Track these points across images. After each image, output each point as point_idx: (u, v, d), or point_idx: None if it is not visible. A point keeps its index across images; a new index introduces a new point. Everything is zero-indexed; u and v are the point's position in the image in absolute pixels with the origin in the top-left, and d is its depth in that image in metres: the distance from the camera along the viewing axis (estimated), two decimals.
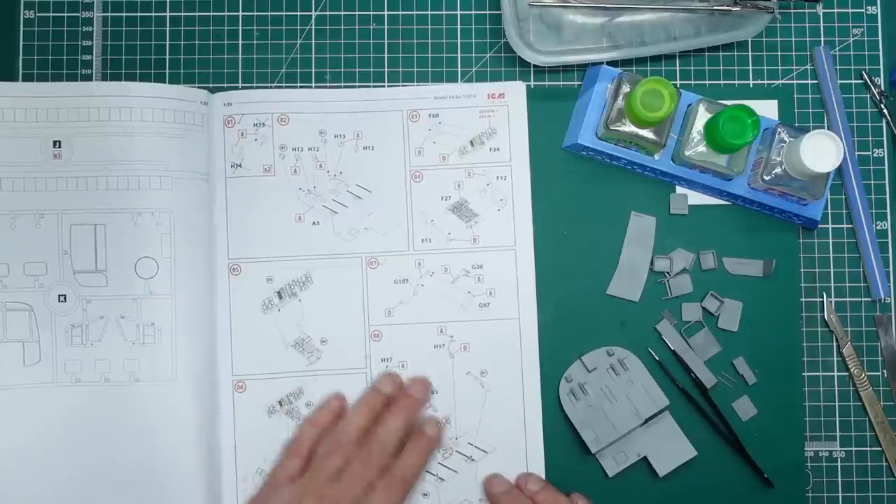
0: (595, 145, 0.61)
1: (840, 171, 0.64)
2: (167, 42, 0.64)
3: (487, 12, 0.65)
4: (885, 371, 0.64)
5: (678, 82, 0.65)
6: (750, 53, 0.65)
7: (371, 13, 0.65)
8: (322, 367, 0.61)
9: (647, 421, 0.61)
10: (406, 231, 0.62)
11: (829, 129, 0.64)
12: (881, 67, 0.65)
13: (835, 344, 0.64)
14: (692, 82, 0.65)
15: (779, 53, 0.65)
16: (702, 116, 0.59)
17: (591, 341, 0.62)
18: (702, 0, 0.62)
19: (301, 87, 0.64)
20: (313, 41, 0.64)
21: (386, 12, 0.65)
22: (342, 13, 0.65)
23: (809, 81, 0.65)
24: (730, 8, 0.62)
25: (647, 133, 0.59)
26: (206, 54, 0.64)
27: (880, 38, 0.65)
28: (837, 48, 0.65)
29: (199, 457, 0.59)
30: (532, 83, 0.64)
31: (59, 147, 0.60)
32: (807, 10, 0.65)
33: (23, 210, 0.60)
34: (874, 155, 0.65)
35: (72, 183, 0.60)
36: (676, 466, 0.61)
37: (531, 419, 0.61)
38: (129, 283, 0.59)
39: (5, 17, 0.64)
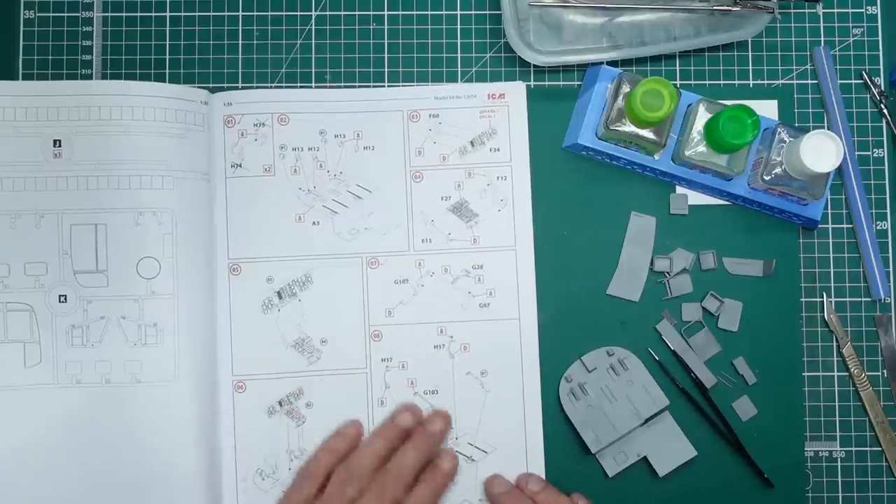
0: (595, 145, 0.61)
1: (840, 171, 0.64)
2: (167, 42, 0.64)
3: (487, 12, 0.65)
4: (885, 371, 0.64)
5: (678, 82, 0.65)
6: (750, 53, 0.65)
7: (371, 13, 0.65)
8: (322, 367, 0.61)
9: (647, 421, 0.61)
10: (406, 231, 0.62)
11: (829, 129, 0.64)
12: (881, 67, 0.65)
13: (835, 344, 0.64)
14: (692, 82, 0.65)
15: (779, 53, 0.65)
16: (702, 116, 0.59)
17: (591, 341, 0.62)
18: (702, 0, 0.62)
19: (301, 87, 0.64)
20: (313, 41, 0.64)
21: (386, 12, 0.65)
22: (342, 13, 0.65)
23: (809, 81, 0.65)
24: (730, 8, 0.62)
25: (647, 133, 0.59)
26: (206, 54, 0.64)
27: (880, 38, 0.65)
28: (837, 48, 0.65)
29: (199, 457, 0.59)
30: (532, 83, 0.64)
31: (60, 146, 0.60)
32: (807, 10, 0.65)
33: (23, 210, 0.60)
34: (874, 155, 0.65)
35: (72, 182, 0.60)
36: (676, 466, 0.61)
37: (531, 419, 0.61)
38: (131, 284, 0.59)
39: (5, 17, 0.64)
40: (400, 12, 0.65)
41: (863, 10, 0.65)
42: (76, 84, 0.61)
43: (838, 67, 0.65)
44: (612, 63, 0.63)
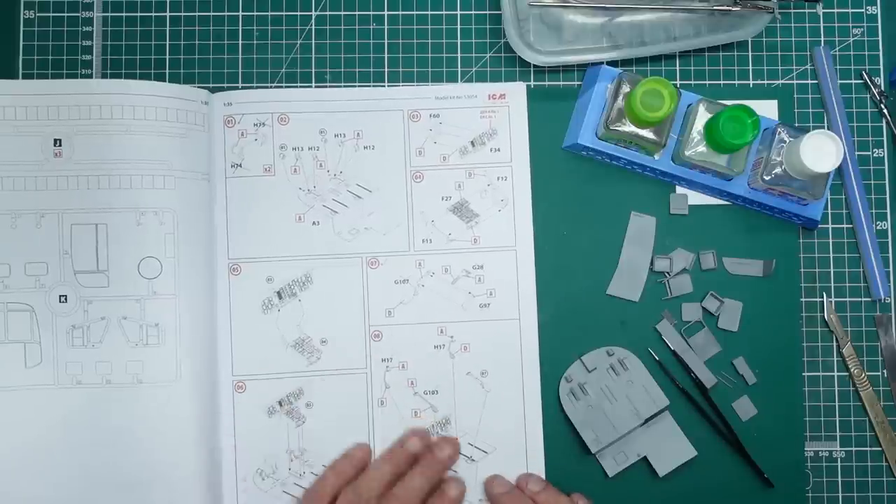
0: (595, 145, 0.61)
1: (840, 171, 0.64)
2: (167, 42, 0.64)
3: (487, 12, 0.65)
4: (885, 371, 0.64)
5: (678, 82, 0.65)
6: (750, 53, 0.65)
7: (371, 13, 0.65)
8: (322, 367, 0.61)
9: (647, 421, 0.61)
10: (406, 231, 0.62)
11: (829, 129, 0.64)
12: (881, 67, 0.65)
13: (835, 344, 0.64)
14: (692, 82, 0.65)
15: (779, 53, 0.65)
16: (702, 116, 0.59)
17: (591, 341, 0.62)
18: (702, 0, 0.62)
19: (301, 86, 0.64)
20: (313, 41, 0.64)
21: (386, 12, 0.65)
22: (342, 13, 0.65)
23: (809, 81, 0.65)
24: (730, 8, 0.62)
25: (647, 133, 0.59)
26: (206, 54, 0.64)
27: (880, 38, 0.65)
28: (837, 48, 0.65)
29: (199, 457, 0.59)
30: (532, 83, 0.64)
31: (60, 145, 0.60)
32: (807, 10, 0.65)
33: (23, 209, 0.60)
34: (874, 155, 0.65)
35: (73, 182, 0.60)
36: (676, 466, 0.61)
37: (531, 419, 0.61)
38: (132, 284, 0.59)
39: (5, 17, 0.64)
40: (400, 12, 0.65)
41: (863, 10, 0.65)
42: (76, 83, 0.61)
43: (838, 67, 0.65)
44: (612, 63, 0.63)
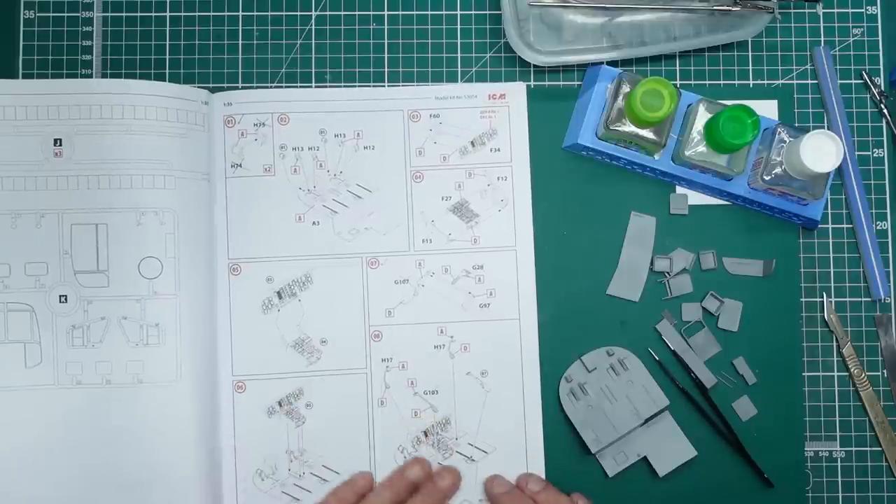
0: (595, 145, 0.61)
1: (840, 171, 0.64)
2: (167, 42, 0.64)
3: (487, 12, 0.65)
4: (885, 371, 0.64)
5: (678, 82, 0.65)
6: (750, 53, 0.65)
7: (371, 13, 0.65)
8: (322, 367, 0.61)
9: (647, 421, 0.61)
10: (406, 231, 0.62)
11: (829, 129, 0.64)
12: (881, 67, 0.65)
13: (835, 344, 0.64)
14: (692, 82, 0.65)
15: (779, 53, 0.65)
16: (702, 116, 0.59)
17: (591, 341, 0.62)
18: (702, 0, 0.62)
19: (301, 86, 0.64)
20: (313, 41, 0.64)
21: (386, 12, 0.65)
22: (342, 13, 0.65)
23: (809, 81, 0.65)
24: (730, 8, 0.62)
25: (647, 133, 0.59)
26: (206, 54, 0.64)
27: (880, 38, 0.65)
28: (837, 48, 0.65)
29: (199, 457, 0.59)
30: (532, 83, 0.64)
31: (60, 145, 0.60)
32: (807, 10, 0.65)
33: (23, 209, 0.60)
34: (874, 155, 0.65)
35: (73, 182, 0.60)
36: (676, 466, 0.61)
37: (531, 419, 0.61)
38: (132, 284, 0.59)
39: (5, 17, 0.64)
40: (400, 12, 0.65)
41: (863, 10, 0.65)
42: (77, 83, 0.61)
43: (838, 67, 0.65)
44: (612, 63, 0.63)
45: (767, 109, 0.63)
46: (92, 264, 0.60)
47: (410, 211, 0.62)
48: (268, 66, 0.64)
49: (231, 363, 0.61)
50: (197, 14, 0.64)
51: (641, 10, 0.63)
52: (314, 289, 0.62)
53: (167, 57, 0.64)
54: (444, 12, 0.65)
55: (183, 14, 0.64)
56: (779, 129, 0.59)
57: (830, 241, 0.64)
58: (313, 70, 0.64)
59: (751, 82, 0.65)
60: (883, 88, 0.65)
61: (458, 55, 0.64)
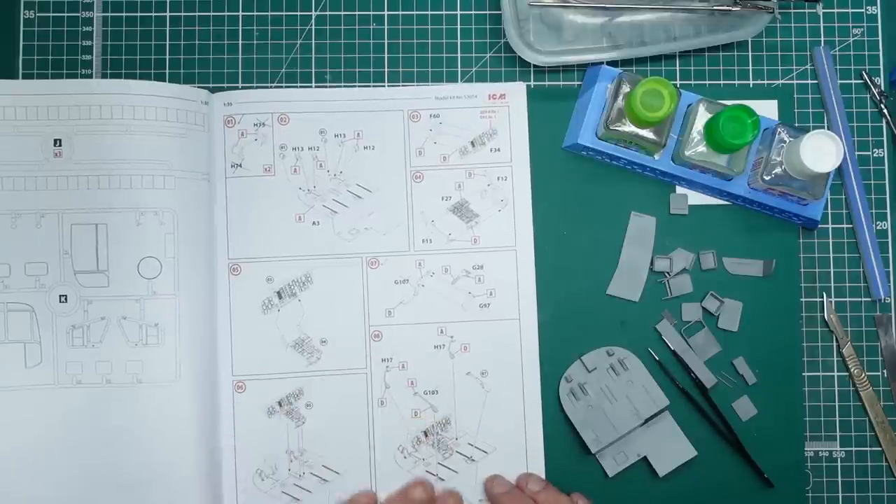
0: (595, 145, 0.61)
1: (840, 171, 0.64)
2: (167, 42, 0.64)
3: (487, 12, 0.65)
4: (885, 371, 0.64)
5: (678, 82, 0.65)
6: (750, 53, 0.65)
7: (371, 13, 0.65)
8: (322, 367, 0.61)
9: (647, 421, 0.61)
10: (406, 231, 0.62)
11: (829, 129, 0.64)
12: (881, 67, 0.65)
13: (835, 344, 0.64)
14: (692, 82, 0.65)
15: (779, 53, 0.65)
16: (702, 116, 0.59)
17: (591, 341, 0.62)
18: (702, 0, 0.62)
19: (301, 87, 0.64)
20: (313, 41, 0.64)
21: (386, 12, 0.65)
22: (342, 13, 0.65)
23: (809, 81, 0.65)
24: (730, 8, 0.62)
25: (647, 133, 0.59)
26: (206, 54, 0.64)
27: (880, 38, 0.65)
28: (837, 48, 0.65)
29: (199, 457, 0.59)
30: (532, 83, 0.64)
31: (60, 146, 0.60)
32: (807, 10, 0.65)
33: (23, 209, 0.60)
34: (874, 155, 0.65)
35: (73, 182, 0.60)
36: (676, 466, 0.61)
37: (531, 419, 0.61)
38: (131, 284, 0.59)
39: (5, 17, 0.64)
40: (400, 12, 0.65)
41: (863, 10, 0.65)
42: (76, 83, 0.61)
43: (838, 67, 0.65)
44: (612, 63, 0.63)
45: (767, 109, 0.63)
46: (92, 264, 0.60)
47: (410, 211, 0.62)
48: (268, 66, 0.64)
49: (231, 363, 0.61)
50: (197, 14, 0.64)
51: (641, 10, 0.63)
52: (314, 289, 0.62)
53: (167, 57, 0.64)
54: (444, 12, 0.65)
55: (183, 14, 0.64)
56: (779, 129, 0.59)
57: (830, 241, 0.64)
58: (313, 70, 0.64)
59: (751, 82, 0.65)
60: (883, 88, 0.65)
61: (458, 55, 0.64)
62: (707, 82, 0.65)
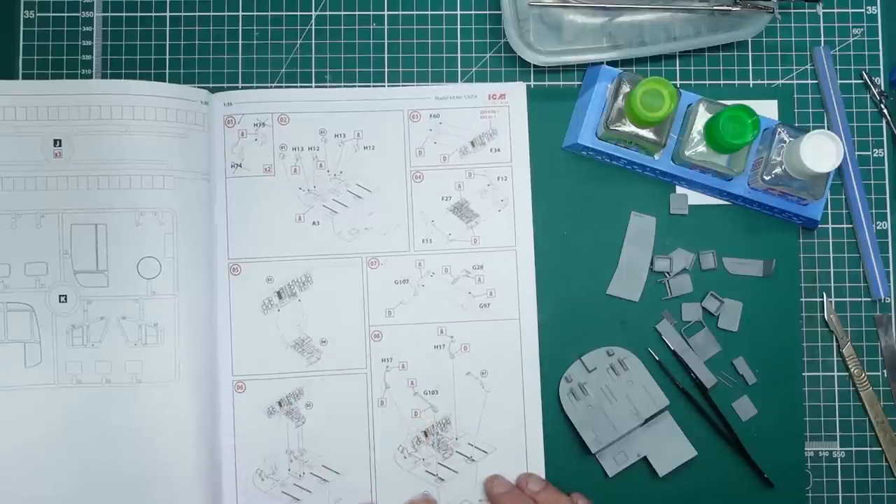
0: (595, 145, 0.61)
1: (840, 171, 0.64)
2: (167, 42, 0.64)
3: (487, 12, 0.65)
4: (885, 371, 0.64)
5: (678, 82, 0.65)
6: (750, 53, 0.65)
7: (371, 13, 0.65)
8: (322, 367, 0.61)
9: (647, 421, 0.61)
10: (406, 231, 0.62)
11: (829, 129, 0.64)
12: (881, 67, 0.65)
13: (835, 344, 0.64)
14: (692, 82, 0.65)
15: (779, 53, 0.65)
16: (702, 116, 0.59)
17: (591, 341, 0.62)
18: (702, 0, 0.62)
19: (301, 87, 0.64)
20: (313, 41, 0.64)
21: (386, 12, 0.65)
22: (342, 13, 0.65)
23: (809, 81, 0.65)
24: (730, 8, 0.62)
25: (647, 133, 0.59)
26: (206, 54, 0.64)
27: (880, 38, 0.65)
28: (837, 48, 0.65)
29: (199, 457, 0.59)
30: (532, 83, 0.64)
31: (60, 146, 0.60)
32: (807, 10, 0.65)
33: (23, 210, 0.60)
34: (874, 155, 0.65)
35: (72, 182, 0.60)
36: (676, 466, 0.61)
37: (531, 419, 0.61)
38: (131, 284, 0.59)
39: (5, 17, 0.64)
40: (400, 12, 0.65)
41: (863, 10, 0.65)
42: (76, 83, 0.61)
43: (838, 67, 0.65)
44: (612, 63, 0.63)
45: (767, 109, 0.63)
46: (91, 264, 0.60)
47: (410, 211, 0.62)
48: (268, 66, 0.64)
49: (231, 363, 0.61)
50: (197, 14, 0.64)
51: (641, 10, 0.63)
52: (314, 289, 0.62)
53: (167, 57, 0.64)
54: (444, 12, 0.65)
55: (183, 14, 0.64)
56: (779, 129, 0.59)
57: (830, 241, 0.64)
58: (313, 70, 0.64)
59: (751, 82, 0.65)
60: (883, 88, 0.65)
61: (458, 55, 0.64)
62: (707, 82, 0.65)
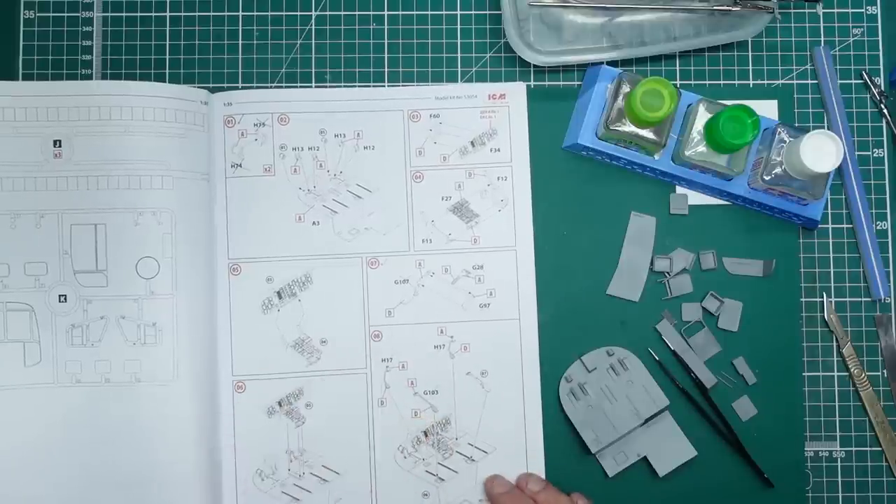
0: (595, 145, 0.61)
1: (840, 171, 0.64)
2: (167, 42, 0.64)
3: (487, 12, 0.65)
4: (885, 371, 0.64)
5: (678, 82, 0.65)
6: (750, 53, 0.65)
7: (371, 13, 0.65)
8: (322, 367, 0.61)
9: (647, 421, 0.61)
10: (406, 231, 0.62)
11: (829, 129, 0.64)
12: (881, 67, 0.65)
13: (835, 344, 0.64)
14: (692, 82, 0.65)
15: (779, 53, 0.65)
16: (702, 116, 0.59)
17: (591, 341, 0.62)
18: (702, 0, 0.62)
19: (301, 87, 0.64)
20: (313, 41, 0.64)
21: (386, 12, 0.65)
22: (342, 13, 0.65)
23: (809, 81, 0.65)
24: (730, 8, 0.62)
25: (647, 133, 0.59)
26: (206, 54, 0.64)
27: (880, 38, 0.65)
28: (837, 48, 0.65)
29: (199, 457, 0.59)
30: (532, 83, 0.64)
31: (60, 146, 0.60)
32: (807, 10, 0.65)
33: (23, 210, 0.60)
34: (874, 155, 0.65)
35: (72, 182, 0.60)
36: (676, 466, 0.61)
37: (531, 419, 0.61)
38: (130, 283, 0.59)
39: (5, 17, 0.64)
40: (400, 12, 0.65)
41: (863, 10, 0.65)
42: (76, 84, 0.61)
43: (838, 67, 0.65)
44: (612, 63, 0.63)
45: (767, 109, 0.63)
46: (91, 264, 0.60)
47: (410, 211, 0.62)
48: (268, 66, 0.64)
49: (231, 363, 0.61)
50: (197, 14, 0.64)
51: (641, 10, 0.63)
52: (314, 289, 0.62)
53: (167, 57, 0.64)
54: (444, 12, 0.65)
55: (183, 14, 0.64)
56: (779, 129, 0.59)
57: (830, 241, 0.64)
58: (313, 70, 0.64)
59: (751, 82, 0.65)
60: (883, 88, 0.65)
61: (458, 55, 0.64)
62: (707, 82, 0.65)
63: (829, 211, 0.64)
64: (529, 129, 0.63)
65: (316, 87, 0.64)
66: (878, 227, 0.64)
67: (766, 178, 0.59)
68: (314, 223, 0.62)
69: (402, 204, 0.62)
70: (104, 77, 0.64)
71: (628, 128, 0.59)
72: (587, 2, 0.62)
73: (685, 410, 0.62)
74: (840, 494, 0.63)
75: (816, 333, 0.64)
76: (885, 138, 0.65)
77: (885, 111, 0.64)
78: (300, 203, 0.62)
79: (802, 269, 0.63)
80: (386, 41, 0.64)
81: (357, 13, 0.65)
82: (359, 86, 0.64)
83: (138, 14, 0.64)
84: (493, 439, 0.61)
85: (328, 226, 0.62)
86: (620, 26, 0.63)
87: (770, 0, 0.62)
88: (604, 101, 0.61)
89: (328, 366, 0.61)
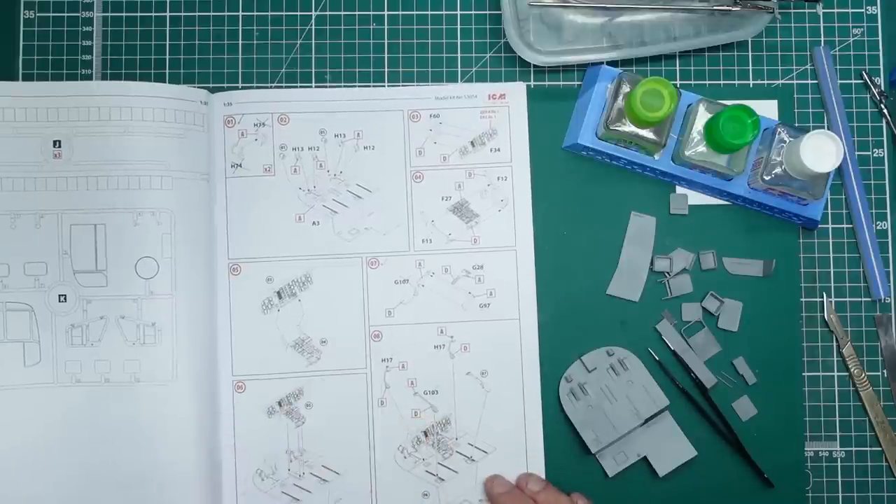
0: (595, 145, 0.61)
1: (840, 171, 0.64)
2: (167, 42, 0.64)
3: (487, 12, 0.65)
4: (885, 371, 0.64)
5: (678, 82, 0.65)
6: (750, 53, 0.65)
7: (371, 13, 0.65)
8: (322, 367, 0.61)
9: (647, 421, 0.61)
10: (406, 231, 0.62)
11: (829, 129, 0.64)
12: (881, 67, 0.65)
13: (835, 344, 0.64)
14: (692, 82, 0.65)
15: (779, 53, 0.65)
16: (702, 116, 0.59)
17: (591, 341, 0.62)
18: (702, 0, 0.62)
19: (301, 87, 0.64)
20: (313, 41, 0.64)
21: (386, 12, 0.65)
22: (342, 13, 0.65)
23: (809, 81, 0.65)
24: (730, 8, 0.62)
25: (647, 133, 0.59)
26: (206, 54, 0.64)
27: (880, 38, 0.65)
28: (837, 48, 0.65)
29: (199, 457, 0.59)
30: (532, 83, 0.64)
31: (59, 147, 0.60)
32: (807, 10, 0.65)
33: (23, 210, 0.60)
34: (874, 155, 0.65)
35: (72, 183, 0.60)
36: (676, 466, 0.61)
37: (531, 419, 0.61)
38: (130, 283, 0.59)
39: (5, 17, 0.64)
40: (400, 12, 0.65)
41: (863, 10, 0.65)
42: (76, 85, 0.61)
43: (838, 67, 0.65)
44: (612, 63, 0.63)
45: (767, 109, 0.63)
46: (91, 264, 0.60)
47: (410, 211, 0.62)
48: (268, 66, 0.64)
49: (231, 363, 0.61)
50: (197, 14, 0.64)
51: (641, 10, 0.63)
52: (314, 289, 0.61)
53: (167, 57, 0.64)
54: (444, 12, 0.65)
55: (183, 14, 0.64)
56: (779, 129, 0.59)
57: (830, 241, 0.64)
58: (313, 70, 0.64)
59: (751, 82, 0.65)
60: (883, 88, 0.65)
61: (458, 55, 0.64)
62: (707, 82, 0.65)
63: (829, 211, 0.64)
64: (529, 129, 0.63)
65: (316, 87, 0.64)
66: (878, 227, 0.64)
67: (766, 178, 0.59)
68: (314, 223, 0.62)
69: (402, 204, 0.62)
70: (104, 77, 0.64)
71: (628, 128, 0.59)
72: (587, 2, 0.62)
73: (685, 410, 0.62)
74: (840, 494, 0.63)
75: (816, 333, 0.64)
76: (885, 138, 0.65)
77: (885, 111, 0.64)
78: (300, 203, 0.62)
79: (802, 269, 0.63)
80: (386, 41, 0.64)
81: (357, 13, 0.65)
82: (359, 86, 0.64)
83: (138, 14, 0.64)
84: (493, 439, 0.61)
85: (328, 226, 0.62)
86: (620, 26, 0.63)
87: (770, 0, 0.62)
88: (604, 101, 0.61)
89: (328, 366, 0.61)
